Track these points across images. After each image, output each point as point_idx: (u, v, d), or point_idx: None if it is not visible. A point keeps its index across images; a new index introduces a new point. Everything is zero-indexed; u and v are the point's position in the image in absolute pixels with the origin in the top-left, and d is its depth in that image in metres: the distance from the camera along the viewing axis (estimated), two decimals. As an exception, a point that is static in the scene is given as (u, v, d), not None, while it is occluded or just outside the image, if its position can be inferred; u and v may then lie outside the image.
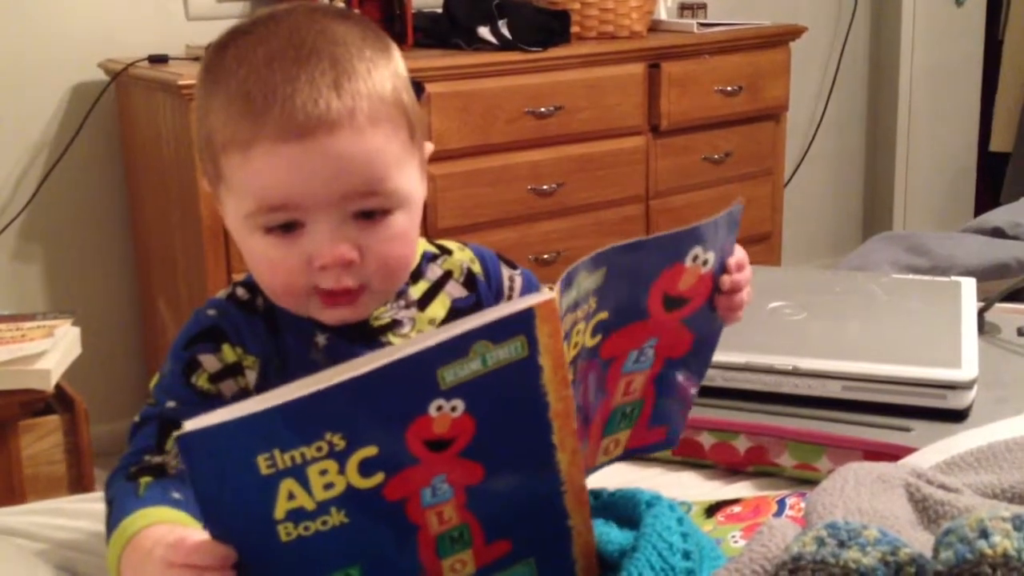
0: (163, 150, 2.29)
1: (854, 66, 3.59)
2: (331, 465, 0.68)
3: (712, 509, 1.06)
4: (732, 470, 1.22)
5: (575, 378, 0.78)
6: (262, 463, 0.67)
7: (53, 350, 1.54)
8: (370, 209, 0.85)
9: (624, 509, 0.87)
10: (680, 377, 0.92)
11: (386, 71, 0.86)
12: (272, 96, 0.81)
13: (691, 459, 1.23)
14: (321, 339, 0.90)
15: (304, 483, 0.68)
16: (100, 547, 0.89)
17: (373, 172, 0.84)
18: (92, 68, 2.40)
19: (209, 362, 0.88)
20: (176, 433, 0.65)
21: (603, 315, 0.81)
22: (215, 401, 0.87)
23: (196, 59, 2.31)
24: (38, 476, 1.54)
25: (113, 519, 0.82)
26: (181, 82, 2.09)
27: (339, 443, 0.68)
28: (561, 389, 0.74)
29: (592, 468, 0.90)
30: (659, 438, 0.95)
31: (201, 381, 0.88)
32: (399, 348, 0.69)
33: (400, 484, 0.71)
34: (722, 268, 0.90)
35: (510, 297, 1.00)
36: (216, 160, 0.86)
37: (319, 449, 0.68)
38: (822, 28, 3.44)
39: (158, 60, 2.30)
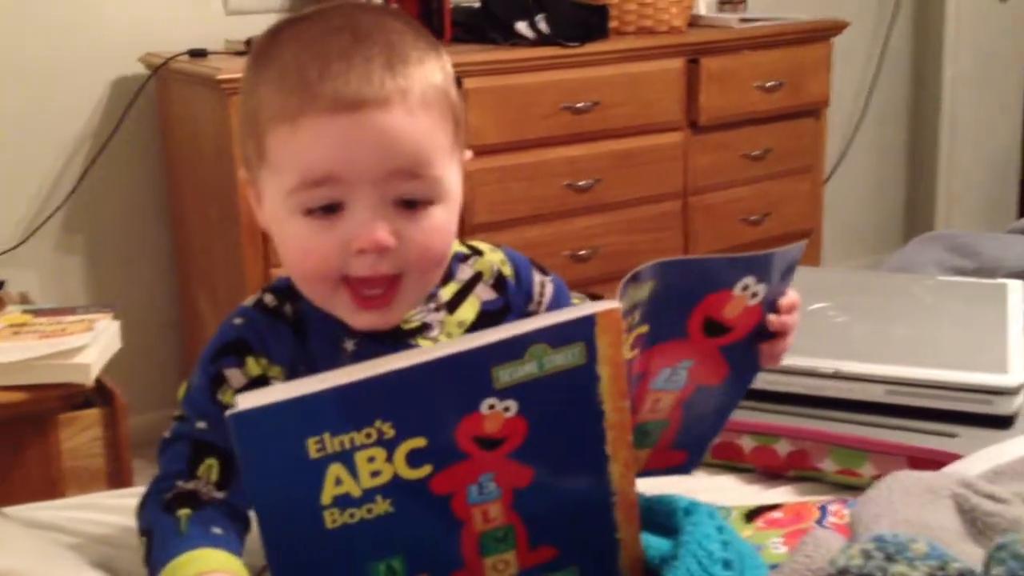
0: (202, 144, 2.30)
1: (896, 61, 3.55)
2: (379, 453, 0.68)
3: (752, 514, 1.05)
4: (772, 474, 1.20)
5: None
6: (311, 446, 0.67)
7: (93, 344, 1.55)
8: (412, 197, 0.84)
9: (661, 515, 0.86)
10: (709, 406, 0.91)
11: (436, 64, 0.87)
12: (326, 70, 0.82)
13: (730, 462, 1.22)
14: (350, 344, 0.90)
15: (352, 469, 0.68)
16: (135, 542, 0.89)
17: (420, 154, 0.84)
18: (133, 62, 2.42)
19: (235, 377, 0.88)
20: (228, 412, 0.65)
21: (643, 328, 0.80)
22: None
23: (235, 53, 2.32)
24: (77, 469, 1.55)
25: (156, 557, 0.82)
26: (220, 76, 2.09)
27: (389, 431, 0.68)
28: (618, 400, 0.73)
29: None
30: (677, 462, 0.94)
31: (227, 397, 0.87)
32: (454, 343, 0.69)
33: (447, 478, 0.71)
34: (771, 307, 0.88)
35: (539, 303, 0.99)
36: (261, 135, 0.85)
37: (368, 436, 0.68)
38: (864, 22, 3.40)
39: (197, 54, 2.31)
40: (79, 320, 1.64)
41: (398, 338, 0.91)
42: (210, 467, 0.87)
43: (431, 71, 0.86)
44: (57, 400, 1.52)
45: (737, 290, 0.84)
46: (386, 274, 0.84)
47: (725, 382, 0.90)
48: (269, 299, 0.91)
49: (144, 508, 0.88)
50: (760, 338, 0.89)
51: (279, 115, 0.83)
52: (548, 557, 0.76)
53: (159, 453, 0.91)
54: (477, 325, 0.94)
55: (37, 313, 1.68)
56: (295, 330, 0.90)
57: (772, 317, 0.88)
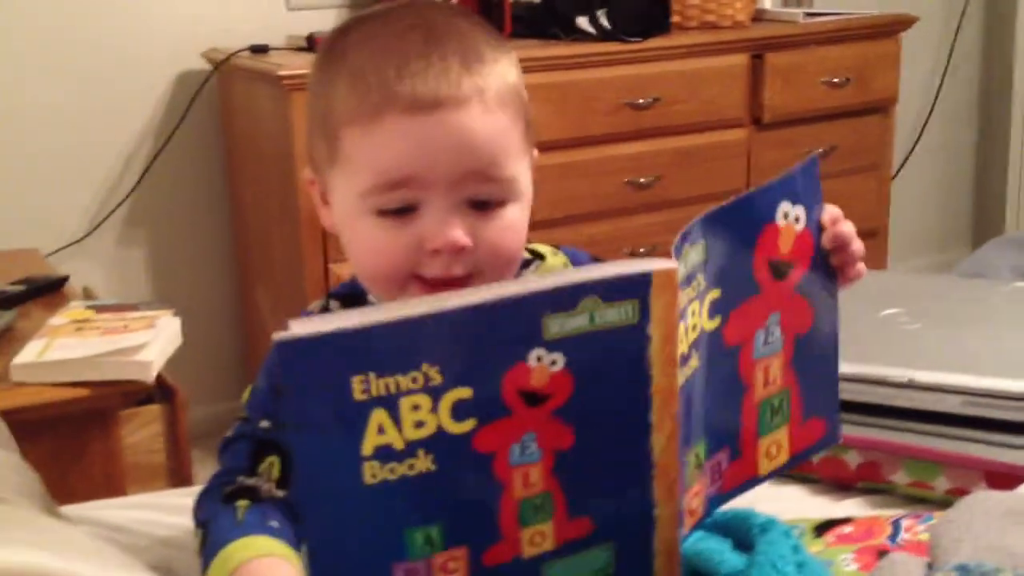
0: (263, 139, 2.30)
1: (966, 57, 3.46)
2: (424, 401, 0.67)
3: (822, 528, 1.02)
4: (841, 486, 1.17)
5: (698, 365, 0.75)
6: (357, 385, 0.65)
7: (154, 341, 1.56)
8: (485, 198, 0.84)
9: (737, 531, 0.84)
10: (815, 355, 0.87)
11: (509, 63, 0.87)
12: (404, 69, 0.81)
13: (798, 473, 1.19)
14: None
15: (395, 416, 0.66)
16: (195, 544, 0.89)
17: (495, 154, 0.83)
18: (195, 57, 2.43)
19: None
20: (276, 337, 0.63)
21: (715, 293, 0.77)
22: None
23: (297, 49, 2.33)
24: (138, 465, 1.56)
25: (212, 543, 0.81)
26: (281, 72, 2.10)
27: (435, 377, 0.66)
28: (667, 366, 0.71)
29: (759, 478, 0.86)
30: (819, 434, 0.90)
31: None
32: (506, 286, 0.68)
33: (491, 435, 0.69)
34: (818, 227, 0.85)
35: None
36: (334, 136, 0.84)
37: (415, 380, 0.66)
38: (934, 17, 3.32)
39: (259, 50, 2.32)
40: (141, 317, 1.64)
41: None
42: (271, 465, 0.87)
43: (506, 69, 0.85)
44: (118, 397, 1.53)
45: (780, 220, 0.81)
46: (459, 276, 0.84)
47: (816, 322, 0.86)
48: (335, 304, 0.92)
49: (202, 501, 0.88)
50: (824, 262, 0.86)
51: (355, 115, 0.82)
52: (584, 531, 0.74)
53: (220, 452, 0.91)
54: None
55: (99, 309, 1.69)
56: None
57: (825, 235, 0.85)
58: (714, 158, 2.54)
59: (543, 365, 0.69)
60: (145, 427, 1.58)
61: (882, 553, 0.90)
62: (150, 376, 1.53)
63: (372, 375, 0.65)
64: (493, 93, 0.83)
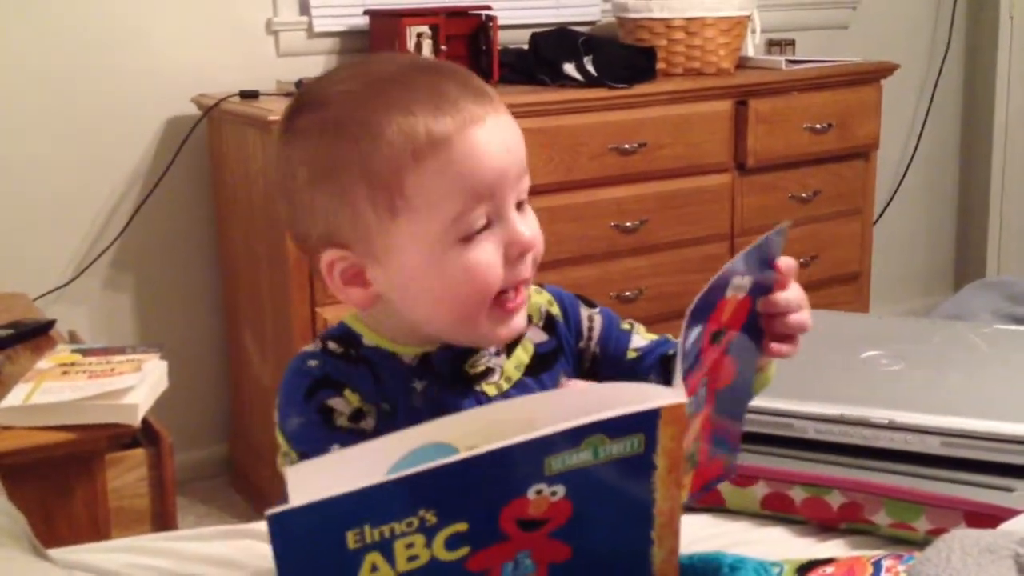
0: (252, 184, 2.32)
1: (947, 102, 3.51)
2: (419, 539, 0.67)
3: (804, 569, 1.03)
4: (824, 527, 1.18)
5: None
6: (351, 538, 0.65)
7: (141, 385, 1.56)
8: (524, 195, 0.89)
9: (704, 573, 0.84)
10: (728, 404, 0.89)
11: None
12: (441, 96, 0.84)
13: (781, 514, 1.19)
14: (419, 385, 0.89)
15: (389, 557, 0.66)
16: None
17: (524, 152, 0.89)
18: (185, 102, 2.45)
19: (340, 405, 0.85)
20: (268, 512, 0.63)
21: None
22: (364, 436, 0.83)
23: (286, 95, 2.35)
24: (123, 509, 1.55)
25: None
26: (271, 117, 2.11)
27: (431, 519, 0.66)
28: (671, 489, 0.71)
29: None
30: (718, 472, 0.91)
31: (342, 421, 0.85)
32: (513, 428, 0.65)
33: (484, 558, 0.69)
34: (760, 290, 0.87)
35: (590, 338, 0.98)
36: (394, 187, 0.84)
37: (410, 524, 0.66)
38: (914, 64, 3.37)
39: (249, 95, 2.34)
40: (128, 360, 1.64)
41: (465, 382, 0.91)
42: None
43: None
44: (104, 440, 1.53)
45: (729, 293, 0.82)
46: (530, 276, 0.88)
47: (736, 378, 0.88)
48: (334, 346, 0.90)
49: None
50: (756, 323, 0.87)
51: (419, 154, 0.83)
52: None
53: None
54: (532, 366, 0.94)
55: (86, 352, 1.69)
56: (370, 373, 0.89)
57: (763, 301, 0.87)
58: (699, 202, 2.57)
59: (543, 496, 0.68)
60: (131, 471, 1.58)
61: (863, 593, 0.91)
62: (136, 420, 1.53)
63: (367, 527, 0.65)
64: (498, 100, 0.88)
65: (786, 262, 0.88)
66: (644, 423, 0.68)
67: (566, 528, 0.69)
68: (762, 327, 0.88)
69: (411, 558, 0.67)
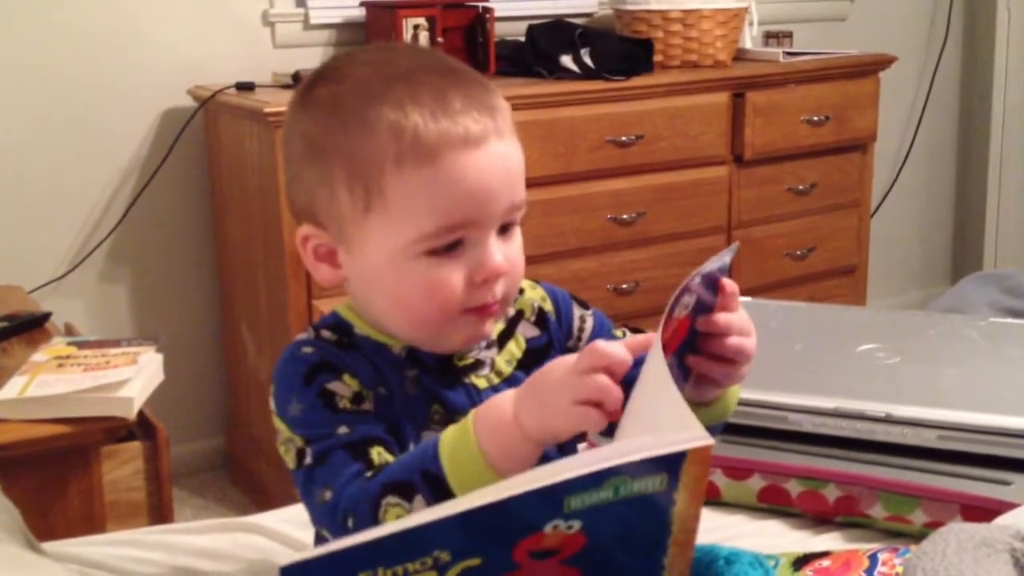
0: (248, 176, 2.31)
1: (945, 95, 3.51)
2: (431, 575, 0.66)
3: (800, 562, 1.02)
4: (820, 520, 1.18)
5: None
6: None
7: (137, 378, 1.55)
8: (510, 221, 0.86)
9: (701, 566, 0.84)
10: None
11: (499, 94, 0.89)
12: (446, 107, 0.82)
13: (777, 507, 1.19)
14: (411, 373, 0.89)
15: None
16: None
17: (522, 180, 0.87)
18: (181, 94, 2.44)
19: (340, 388, 0.85)
20: (281, 566, 0.62)
21: None
22: (368, 418, 0.84)
23: (283, 86, 2.34)
24: (118, 502, 1.55)
25: (424, 458, 0.79)
26: (267, 109, 2.11)
27: (445, 558, 0.65)
28: (689, 522, 0.71)
29: None
30: None
31: (345, 403, 0.85)
32: (531, 475, 0.64)
33: None
34: (702, 310, 0.85)
35: (579, 339, 0.98)
36: (372, 184, 0.83)
37: (423, 563, 0.65)
38: (912, 57, 3.37)
39: (245, 87, 2.33)
40: (123, 353, 1.64)
41: (454, 374, 0.91)
42: (379, 453, 0.83)
43: (503, 100, 0.88)
44: (100, 433, 1.52)
45: (677, 312, 0.80)
46: (498, 301, 0.86)
47: None
48: (328, 334, 0.90)
49: (365, 516, 0.80)
50: (692, 343, 0.86)
51: (403, 159, 0.82)
52: None
53: (307, 491, 0.84)
54: (524, 360, 0.94)
55: (81, 345, 1.69)
56: (365, 358, 0.88)
57: (702, 320, 0.85)
58: (696, 195, 2.57)
59: (559, 531, 0.67)
60: (126, 464, 1.57)
61: (859, 586, 0.91)
62: (132, 413, 1.53)
63: (380, 568, 0.64)
64: (507, 123, 0.86)
65: (731, 284, 0.86)
66: (669, 464, 0.67)
67: (578, 555, 0.69)
68: (699, 347, 0.86)
69: None
